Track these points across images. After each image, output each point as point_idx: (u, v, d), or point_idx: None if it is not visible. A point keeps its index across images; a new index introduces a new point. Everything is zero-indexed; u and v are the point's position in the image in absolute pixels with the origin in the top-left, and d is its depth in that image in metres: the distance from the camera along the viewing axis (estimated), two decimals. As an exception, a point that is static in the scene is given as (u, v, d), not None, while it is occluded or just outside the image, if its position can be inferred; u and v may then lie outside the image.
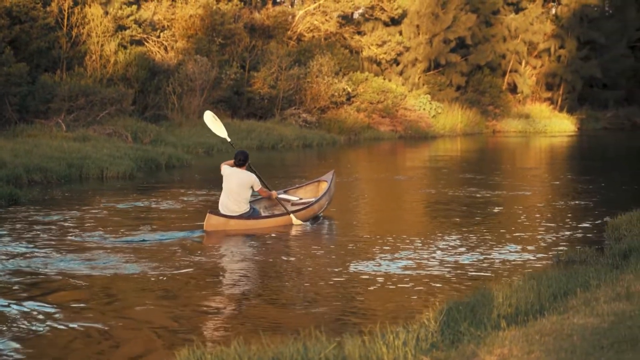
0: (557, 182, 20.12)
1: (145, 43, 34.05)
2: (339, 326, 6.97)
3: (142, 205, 14.55)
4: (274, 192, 12.76)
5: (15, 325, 6.92)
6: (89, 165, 19.01)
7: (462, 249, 10.44)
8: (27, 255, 9.76)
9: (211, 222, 11.71)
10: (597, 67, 55.55)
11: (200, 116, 32.53)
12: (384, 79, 43.67)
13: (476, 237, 11.39)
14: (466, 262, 9.66)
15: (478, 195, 16.50)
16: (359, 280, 8.74)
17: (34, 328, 6.86)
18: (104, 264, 9.30)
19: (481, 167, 25.28)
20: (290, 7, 46.29)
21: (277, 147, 31.78)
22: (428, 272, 9.07)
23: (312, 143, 33.92)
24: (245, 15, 39.72)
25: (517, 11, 55.18)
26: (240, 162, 12.19)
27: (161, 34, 34.88)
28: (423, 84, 47.95)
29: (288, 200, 13.53)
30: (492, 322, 6.06)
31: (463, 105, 47.51)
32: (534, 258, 9.94)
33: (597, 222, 12.75)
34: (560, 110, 55.73)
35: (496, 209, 14.56)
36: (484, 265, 9.51)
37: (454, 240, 11.12)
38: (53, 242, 10.59)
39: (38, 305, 7.50)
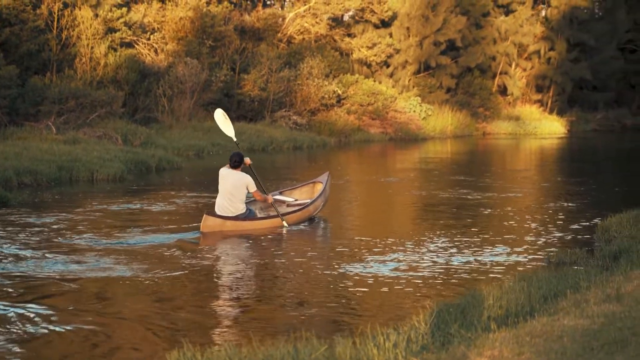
0: (547, 184, 20.18)
1: (136, 45, 33.99)
2: (330, 328, 6.98)
3: (133, 207, 14.52)
4: (269, 197, 12.74)
5: (6, 328, 6.90)
6: (79, 168, 18.96)
7: (453, 251, 10.47)
8: (18, 257, 9.73)
9: (207, 223, 11.72)
10: (587, 69, 55.70)
11: (190, 118, 32.66)
12: (374, 81, 43.72)
13: (467, 238, 11.41)
14: (457, 263, 9.68)
15: (469, 197, 16.53)
16: (350, 282, 8.75)
17: (26, 330, 6.84)
18: (95, 266, 9.29)
19: (471, 169, 25.32)
20: (280, 9, 46.33)
21: (268, 150, 31.77)
22: (419, 274, 9.08)
23: (302, 145, 33.91)
24: (235, 18, 39.71)
25: (507, 13, 55.31)
26: (235, 163, 12.21)
27: (151, 37, 34.82)
28: (413, 86, 48.02)
29: (284, 202, 13.54)
30: (483, 324, 6.08)
31: (453, 107, 47.59)
32: (525, 260, 9.97)
33: (587, 224, 12.79)
34: (550, 112, 55.87)
35: (487, 211, 14.59)
36: (475, 267, 9.54)
37: (445, 242, 11.14)
38: (43, 245, 10.56)
39: (30, 308, 7.48)
